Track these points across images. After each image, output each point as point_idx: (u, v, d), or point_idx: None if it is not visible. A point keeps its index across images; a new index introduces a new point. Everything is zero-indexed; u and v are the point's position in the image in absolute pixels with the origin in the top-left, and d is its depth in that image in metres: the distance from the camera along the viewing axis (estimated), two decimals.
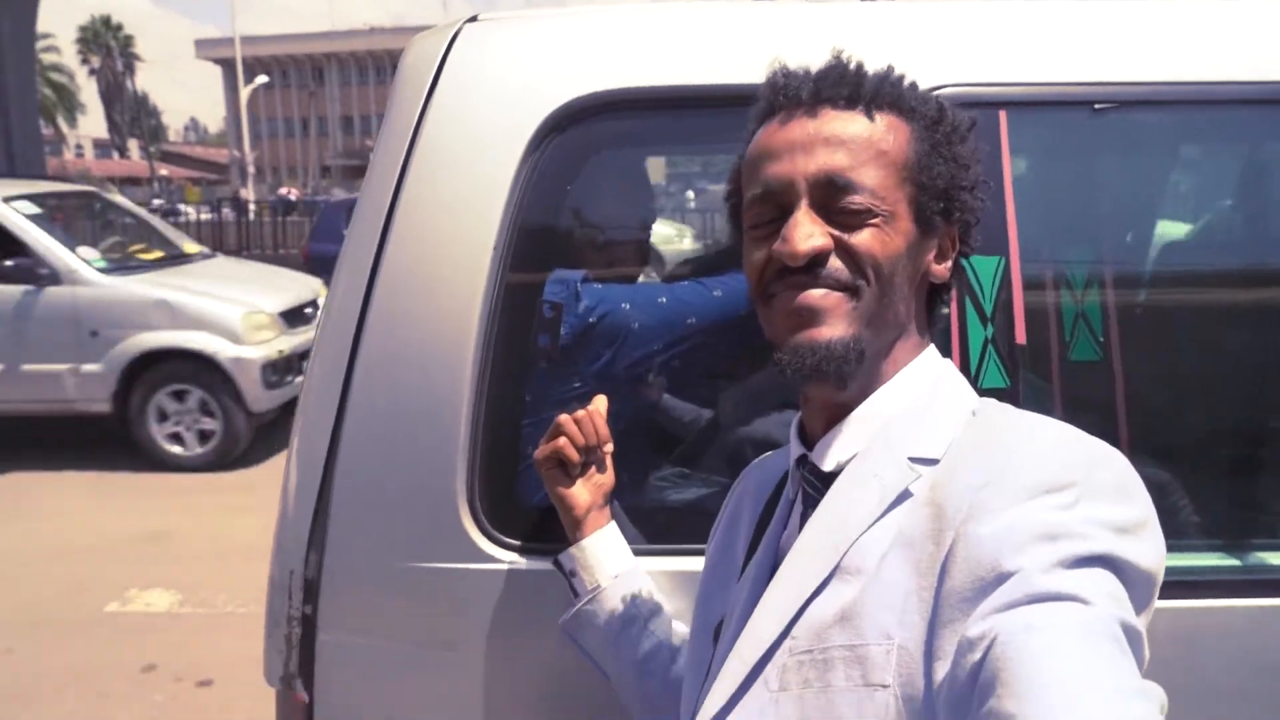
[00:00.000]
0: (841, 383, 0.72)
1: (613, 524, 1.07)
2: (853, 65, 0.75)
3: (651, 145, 1.31)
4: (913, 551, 0.64)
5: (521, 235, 1.11)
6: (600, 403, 1.07)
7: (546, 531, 1.12)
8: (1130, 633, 0.55)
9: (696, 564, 1.08)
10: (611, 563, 1.05)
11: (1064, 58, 1.09)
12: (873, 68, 0.76)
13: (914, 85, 0.76)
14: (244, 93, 27.73)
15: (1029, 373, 1.07)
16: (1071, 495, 0.60)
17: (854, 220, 0.71)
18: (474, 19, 1.21)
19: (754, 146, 0.77)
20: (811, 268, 0.71)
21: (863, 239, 0.71)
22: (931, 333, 0.80)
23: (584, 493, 1.05)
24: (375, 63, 57.39)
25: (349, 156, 54.79)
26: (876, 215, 0.71)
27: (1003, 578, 0.57)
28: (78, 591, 4.15)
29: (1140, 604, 0.59)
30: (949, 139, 0.74)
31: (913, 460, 0.69)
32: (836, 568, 0.68)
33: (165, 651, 3.61)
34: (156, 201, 26.33)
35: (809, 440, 0.78)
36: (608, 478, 1.08)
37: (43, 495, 5.46)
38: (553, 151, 1.11)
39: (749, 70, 1.11)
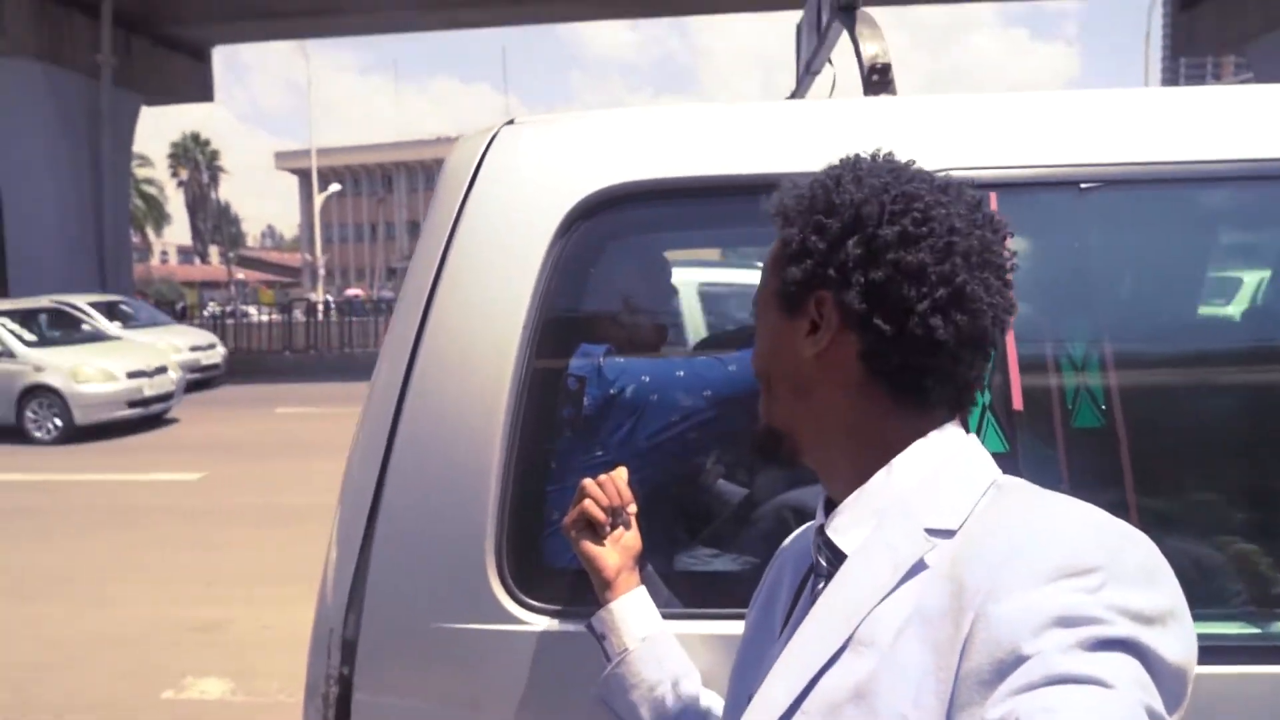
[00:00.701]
0: (779, 462, 0.82)
1: (641, 587, 1.10)
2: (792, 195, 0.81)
3: (669, 232, 1.42)
4: (932, 630, 0.63)
5: (548, 314, 1.20)
6: (621, 470, 1.12)
7: (571, 595, 1.17)
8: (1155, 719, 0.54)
9: (723, 627, 1.13)
10: (639, 625, 1.06)
11: (1050, 142, 1.16)
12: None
13: (814, 188, 0.78)
14: (318, 201, 29.27)
15: (1033, 439, 1.10)
16: (1097, 579, 0.58)
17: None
18: (511, 122, 1.34)
19: None
20: None
21: (754, 344, 0.85)
22: (950, 408, 0.77)
23: (613, 555, 1.08)
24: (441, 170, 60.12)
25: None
26: (757, 321, 0.84)
27: (1021, 660, 0.56)
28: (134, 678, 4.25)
29: (1171, 701, 0.57)
30: (811, 208, 0.77)
31: (929, 531, 0.68)
32: (850, 640, 0.67)
33: None
34: (212, 305, 28.34)
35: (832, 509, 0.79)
36: (635, 540, 1.10)
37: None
38: (578, 238, 1.22)
39: (755, 162, 1.22)
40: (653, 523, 1.13)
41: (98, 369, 10.86)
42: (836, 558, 0.74)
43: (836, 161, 0.81)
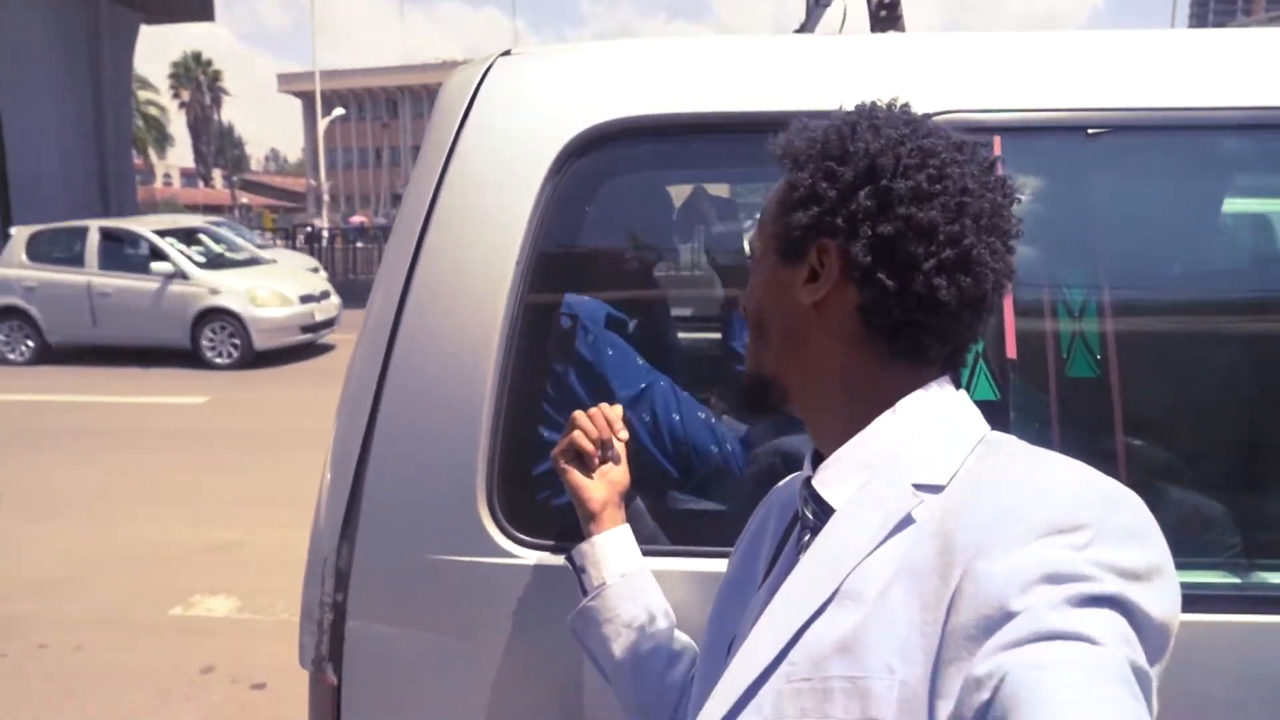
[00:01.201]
0: (765, 411, 0.81)
1: (626, 525, 1.10)
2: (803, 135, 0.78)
3: (666, 170, 1.39)
4: (918, 584, 0.63)
5: (541, 250, 1.19)
6: (615, 407, 1.12)
7: (561, 530, 1.18)
8: (1141, 676, 0.54)
9: (707, 565, 1.15)
10: (619, 561, 1.06)
11: (1057, 86, 1.13)
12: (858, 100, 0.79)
13: (827, 133, 0.76)
14: (321, 124, 28.83)
15: (1025, 386, 1.10)
16: (1084, 536, 0.59)
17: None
18: (508, 53, 1.30)
19: None
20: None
21: (746, 288, 0.84)
22: (944, 364, 0.76)
23: (600, 488, 1.08)
24: None
25: None
26: (753, 264, 0.83)
27: (1009, 616, 0.57)
28: (145, 595, 4.36)
29: (1154, 655, 0.58)
30: (823, 154, 0.74)
31: (917, 486, 0.68)
32: (836, 593, 0.67)
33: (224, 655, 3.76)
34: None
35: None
36: (623, 476, 1.11)
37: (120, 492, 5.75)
38: (572, 175, 1.20)
39: (757, 99, 1.19)
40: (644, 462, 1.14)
41: (273, 292, 10.38)
42: (824, 511, 0.74)
43: (852, 108, 0.78)
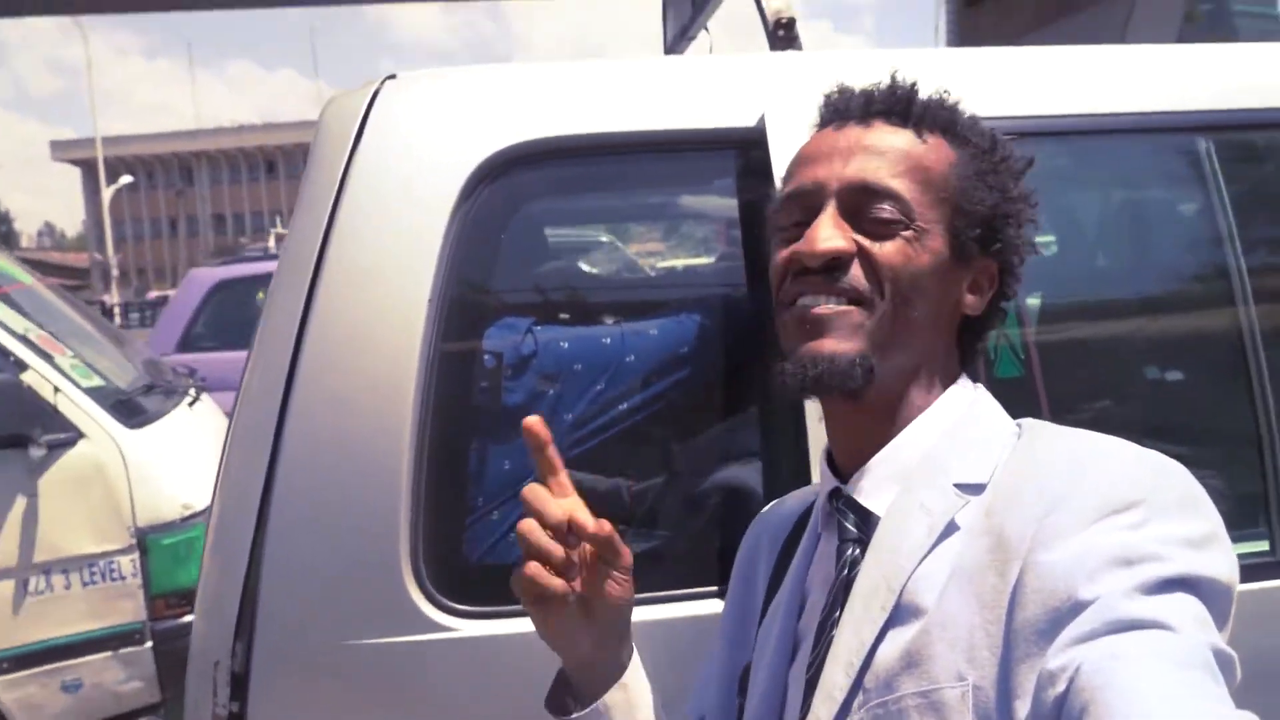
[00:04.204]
0: (850, 398, 0.69)
1: (637, 666, 0.77)
2: (907, 85, 0.74)
3: (583, 192, 1.32)
4: (973, 584, 0.62)
5: (456, 286, 1.08)
6: (535, 422, 0.71)
7: (500, 592, 1.06)
8: (1221, 658, 0.53)
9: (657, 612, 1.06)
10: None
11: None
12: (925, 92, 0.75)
13: (970, 114, 0.75)
14: (107, 194, 26.64)
15: None
16: (1140, 514, 0.58)
17: (883, 230, 0.69)
18: (393, 76, 1.20)
19: (799, 150, 0.76)
20: (831, 271, 0.69)
21: (886, 249, 0.69)
22: (969, 370, 0.76)
23: (578, 633, 0.73)
24: (247, 159, 56.31)
25: (222, 254, 53.02)
26: (907, 228, 0.69)
27: (1079, 606, 0.55)
28: None
29: (1220, 619, 0.57)
30: (996, 169, 0.73)
31: (959, 487, 0.67)
32: (895, 607, 0.65)
33: None
34: None
35: (840, 473, 0.75)
36: (620, 588, 0.71)
37: None
38: (484, 201, 1.10)
39: (669, 117, 1.15)
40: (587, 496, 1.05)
41: None
42: (864, 521, 0.71)
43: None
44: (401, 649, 1.05)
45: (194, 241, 57.51)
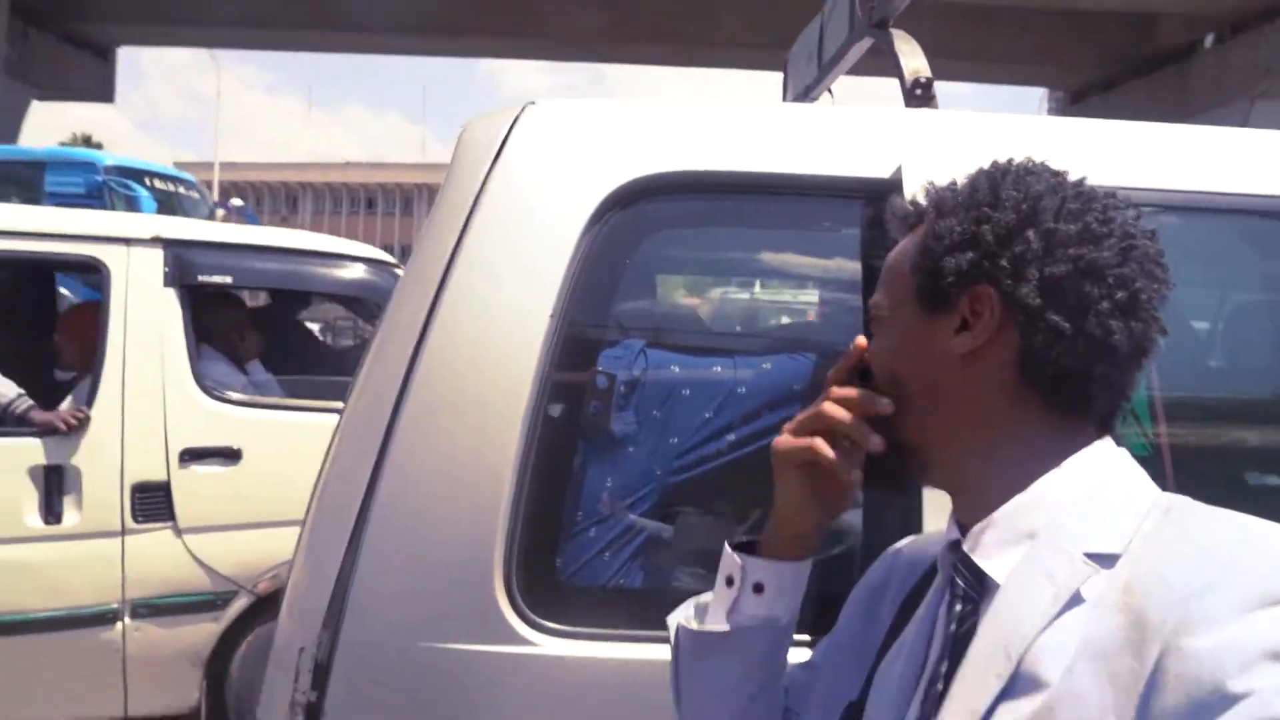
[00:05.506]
0: (898, 486, 0.76)
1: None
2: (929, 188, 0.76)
3: (710, 228, 1.34)
4: (1108, 664, 0.58)
5: (579, 305, 1.10)
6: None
7: (590, 615, 1.05)
8: None
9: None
10: (796, 602, 0.81)
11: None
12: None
13: (975, 181, 0.73)
14: (219, 214, 28.14)
15: None
16: None
17: (874, 335, 0.77)
18: (533, 103, 1.24)
19: None
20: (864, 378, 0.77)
21: (872, 350, 0.77)
22: (1098, 421, 0.70)
23: (825, 505, 0.78)
24: (350, 194, 58.93)
25: None
26: (881, 323, 0.76)
27: (1228, 700, 0.52)
28: None
29: None
30: (973, 201, 0.71)
31: (1089, 556, 0.64)
32: (1014, 675, 0.62)
33: None
34: None
35: (963, 525, 0.72)
36: (853, 478, 0.77)
37: None
38: (613, 226, 1.13)
39: (805, 162, 1.16)
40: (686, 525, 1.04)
41: None
42: (978, 581, 0.68)
43: (985, 165, 0.75)
44: (481, 658, 1.05)
45: None
